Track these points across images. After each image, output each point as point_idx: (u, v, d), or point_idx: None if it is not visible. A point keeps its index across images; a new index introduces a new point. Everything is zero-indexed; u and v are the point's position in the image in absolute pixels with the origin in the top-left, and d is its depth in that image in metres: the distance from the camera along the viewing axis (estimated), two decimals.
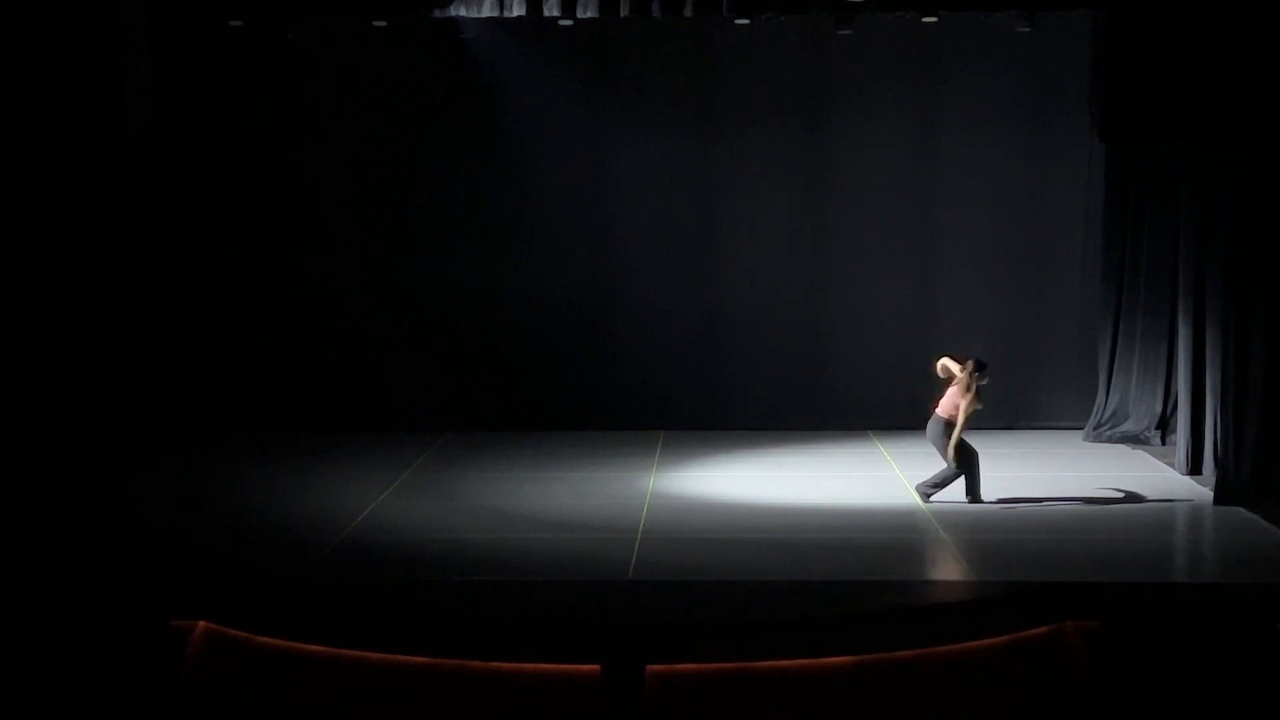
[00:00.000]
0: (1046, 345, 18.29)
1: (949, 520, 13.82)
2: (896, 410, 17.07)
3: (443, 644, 10.29)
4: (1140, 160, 16.82)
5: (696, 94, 18.35)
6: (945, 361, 14.44)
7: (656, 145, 18.33)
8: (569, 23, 15.63)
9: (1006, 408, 17.03)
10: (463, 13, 15.65)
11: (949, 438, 14.21)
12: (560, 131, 18.32)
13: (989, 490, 14.50)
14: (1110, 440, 17.30)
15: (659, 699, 10.02)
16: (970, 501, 14.33)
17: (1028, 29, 16.43)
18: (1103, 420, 17.53)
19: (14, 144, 14.22)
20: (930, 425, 14.40)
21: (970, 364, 14.35)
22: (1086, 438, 17.54)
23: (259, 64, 17.94)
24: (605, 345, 18.47)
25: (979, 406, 14.27)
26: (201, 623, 10.79)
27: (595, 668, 10.06)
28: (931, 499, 14.39)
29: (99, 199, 15.57)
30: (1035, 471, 15.77)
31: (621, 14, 15.38)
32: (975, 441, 14.57)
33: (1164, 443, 16.93)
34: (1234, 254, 14.26)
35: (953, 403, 14.28)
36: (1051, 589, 11.24)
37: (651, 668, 10.04)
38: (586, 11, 15.33)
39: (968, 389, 14.24)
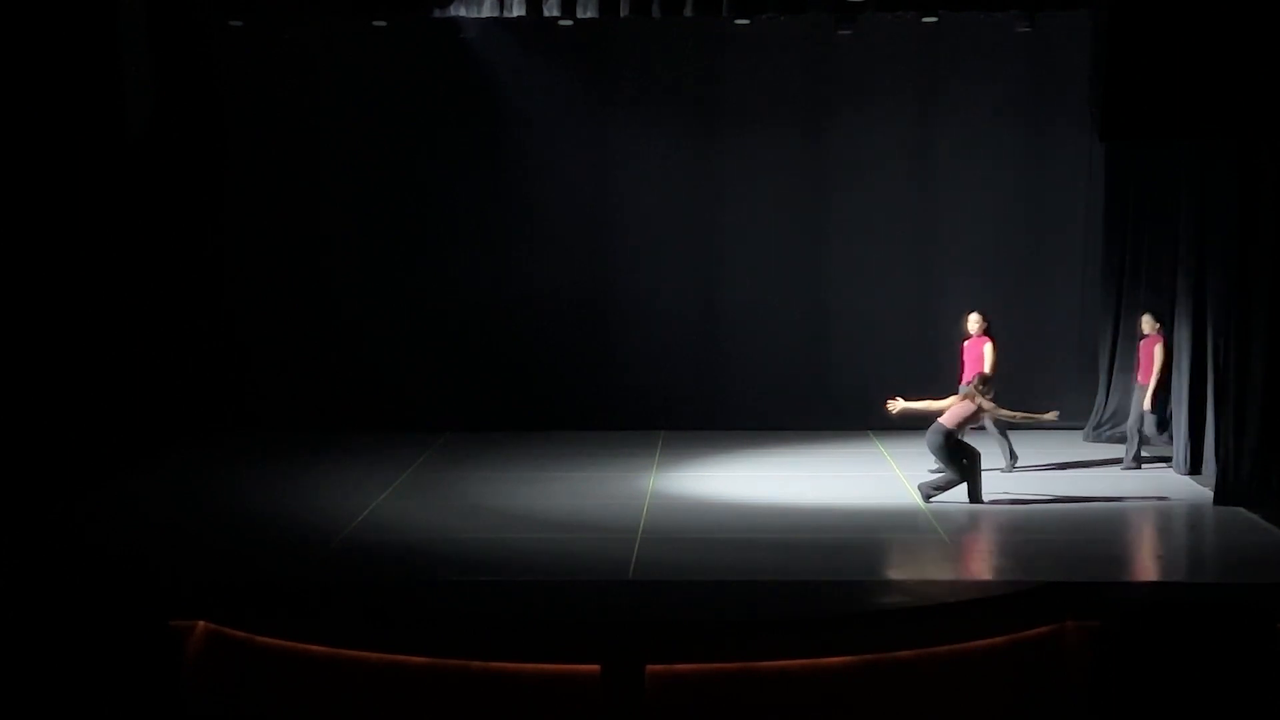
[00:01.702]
0: (1046, 345, 18.30)
1: (949, 520, 13.82)
2: None
3: (443, 644, 10.29)
4: (1140, 160, 16.82)
5: (696, 94, 18.36)
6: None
7: (657, 145, 18.34)
8: (569, 23, 15.62)
9: (1006, 407, 17.02)
10: (463, 13, 15.64)
11: (947, 446, 14.28)
12: (560, 131, 18.33)
13: (990, 490, 14.51)
14: (1110, 440, 17.29)
15: (659, 699, 10.02)
16: (971, 502, 14.34)
17: (1028, 29, 16.42)
18: (1103, 420, 17.54)
19: (14, 144, 14.22)
20: (930, 434, 14.42)
21: (975, 379, 14.66)
22: (1086, 438, 17.55)
23: (259, 64, 17.94)
24: (605, 345, 18.47)
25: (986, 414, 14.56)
26: (201, 623, 10.79)
27: (595, 668, 10.06)
28: (933, 500, 14.40)
29: (99, 199, 15.56)
30: (1035, 471, 15.77)
31: (621, 14, 15.37)
32: (977, 442, 14.59)
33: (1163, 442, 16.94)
34: (1234, 254, 14.26)
35: (957, 415, 14.33)
36: (1051, 589, 11.23)
37: (651, 668, 10.04)
38: (586, 11, 15.32)
39: (972, 400, 14.40)
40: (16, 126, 14.22)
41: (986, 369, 15.50)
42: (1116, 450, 16.87)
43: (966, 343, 15.94)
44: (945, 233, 18.35)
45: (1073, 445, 17.33)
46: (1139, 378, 16.00)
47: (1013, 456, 15.88)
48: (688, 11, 15.37)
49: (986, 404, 14.54)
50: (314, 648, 10.48)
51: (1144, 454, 16.07)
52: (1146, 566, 12.53)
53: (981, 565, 12.58)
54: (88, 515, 14.05)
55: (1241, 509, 13.96)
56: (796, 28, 17.18)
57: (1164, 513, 14.39)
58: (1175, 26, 13.28)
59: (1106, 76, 13.73)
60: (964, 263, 18.29)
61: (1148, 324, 16.02)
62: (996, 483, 14.95)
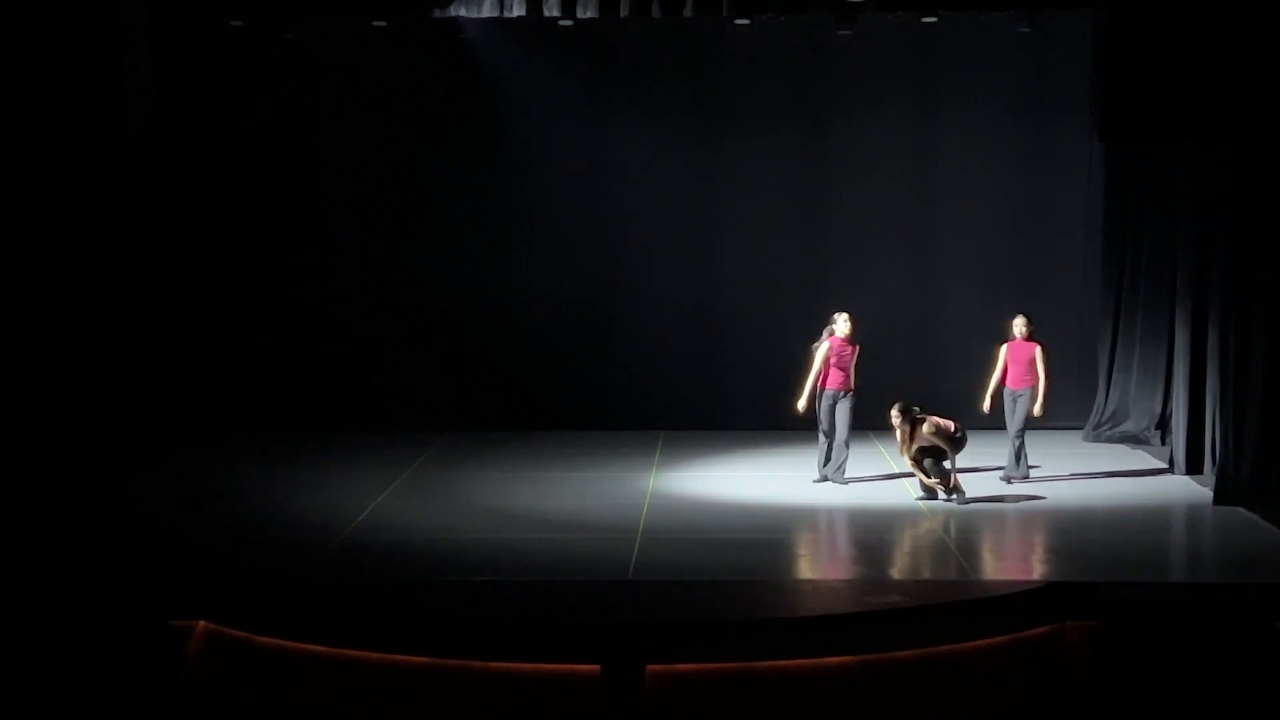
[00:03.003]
0: (1047, 345, 18.26)
1: (949, 520, 13.82)
2: None
3: (443, 644, 10.29)
4: (1140, 160, 16.81)
5: (696, 94, 18.36)
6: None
7: (657, 145, 18.34)
8: (569, 23, 15.62)
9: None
10: (463, 13, 15.64)
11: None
12: (560, 131, 18.33)
13: (989, 489, 14.55)
14: (1110, 440, 17.30)
15: (659, 699, 10.02)
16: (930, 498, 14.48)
17: (1028, 29, 16.42)
18: (1103, 420, 17.53)
19: (14, 144, 14.22)
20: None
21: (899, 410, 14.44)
22: (1086, 438, 17.54)
23: (259, 64, 17.94)
24: (605, 345, 18.47)
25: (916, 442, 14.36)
26: (201, 623, 10.79)
27: (595, 668, 10.06)
28: (929, 499, 14.44)
29: (99, 199, 15.56)
30: (1035, 471, 15.75)
31: (621, 14, 15.37)
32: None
33: (1164, 443, 16.91)
34: (1234, 254, 14.26)
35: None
36: (1051, 589, 11.24)
37: (651, 668, 10.04)
38: (586, 11, 15.32)
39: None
40: (17, 126, 14.23)
41: (852, 376, 15.17)
42: (1117, 450, 16.91)
43: (833, 341, 15.26)
44: (945, 233, 18.34)
45: (1073, 445, 17.32)
46: (1010, 382, 15.20)
47: (840, 469, 15.30)
48: (688, 11, 15.37)
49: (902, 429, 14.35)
50: (314, 648, 10.48)
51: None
52: (1146, 566, 12.50)
53: (982, 565, 12.58)
54: (88, 515, 14.04)
55: (1241, 509, 13.95)
56: (796, 28, 17.18)
57: (1164, 513, 14.39)
58: (1175, 26, 13.28)
59: (1106, 76, 13.74)
60: (963, 263, 18.30)
61: (1023, 326, 15.29)
62: (996, 483, 14.96)
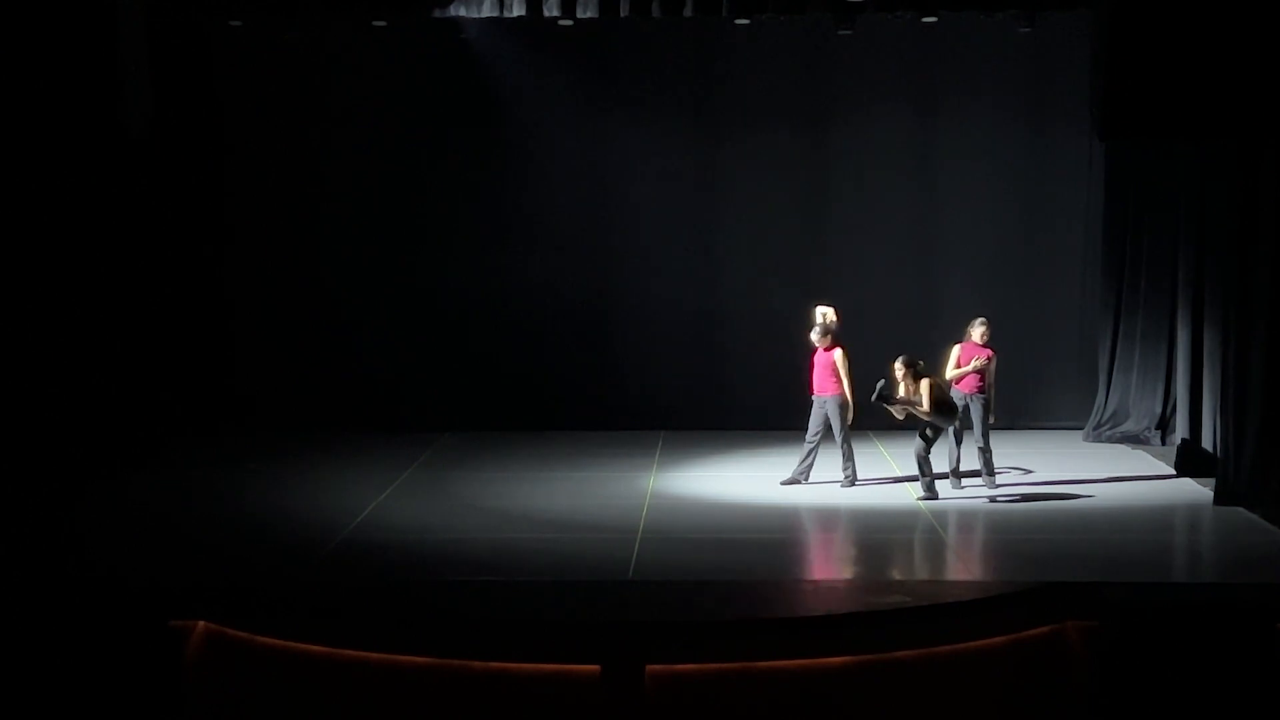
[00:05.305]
0: (1046, 345, 18.30)
1: (949, 520, 13.83)
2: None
3: (443, 644, 10.29)
4: (1140, 160, 16.82)
5: (696, 94, 18.37)
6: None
7: (656, 146, 18.35)
8: (569, 23, 15.60)
9: (1007, 407, 17.01)
10: (463, 13, 15.63)
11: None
12: (560, 132, 18.34)
13: (983, 493, 14.57)
14: (1110, 440, 17.30)
15: (659, 699, 10.02)
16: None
17: (1028, 29, 16.43)
18: (1103, 420, 17.53)
19: (13, 144, 14.22)
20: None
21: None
22: (1086, 438, 17.54)
23: (259, 64, 17.95)
24: (605, 345, 18.48)
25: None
26: (201, 623, 10.79)
27: (595, 668, 10.05)
28: (928, 498, 14.43)
29: (99, 199, 15.56)
30: (1035, 472, 15.76)
31: (621, 14, 15.35)
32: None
33: (1164, 443, 16.92)
34: (1234, 254, 14.26)
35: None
36: (1051, 589, 11.23)
37: (651, 668, 10.03)
38: (586, 11, 15.31)
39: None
40: (16, 126, 14.22)
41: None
42: (1117, 450, 16.90)
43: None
44: (945, 233, 18.36)
45: (1073, 445, 17.33)
46: (961, 385, 14.88)
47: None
48: (688, 11, 15.35)
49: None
50: (314, 648, 10.47)
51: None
52: (1146, 566, 12.51)
53: (982, 565, 12.58)
54: (88, 515, 14.04)
55: (1241, 509, 13.95)
56: (796, 28, 17.18)
57: (1164, 513, 14.39)
58: (1175, 26, 13.29)
59: (1106, 76, 13.74)
60: (964, 262, 18.31)
61: (985, 330, 14.97)
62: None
